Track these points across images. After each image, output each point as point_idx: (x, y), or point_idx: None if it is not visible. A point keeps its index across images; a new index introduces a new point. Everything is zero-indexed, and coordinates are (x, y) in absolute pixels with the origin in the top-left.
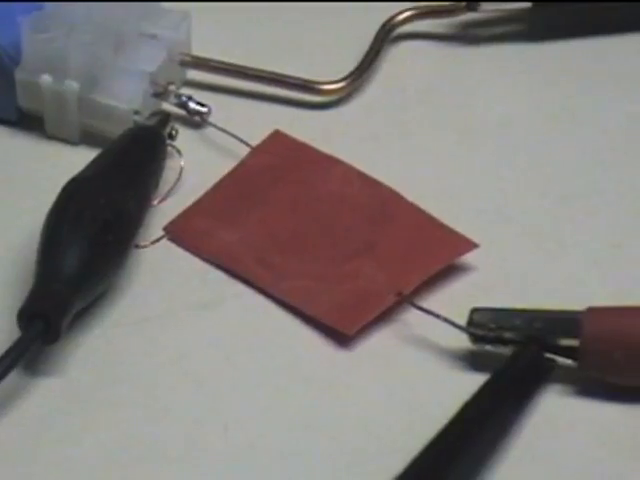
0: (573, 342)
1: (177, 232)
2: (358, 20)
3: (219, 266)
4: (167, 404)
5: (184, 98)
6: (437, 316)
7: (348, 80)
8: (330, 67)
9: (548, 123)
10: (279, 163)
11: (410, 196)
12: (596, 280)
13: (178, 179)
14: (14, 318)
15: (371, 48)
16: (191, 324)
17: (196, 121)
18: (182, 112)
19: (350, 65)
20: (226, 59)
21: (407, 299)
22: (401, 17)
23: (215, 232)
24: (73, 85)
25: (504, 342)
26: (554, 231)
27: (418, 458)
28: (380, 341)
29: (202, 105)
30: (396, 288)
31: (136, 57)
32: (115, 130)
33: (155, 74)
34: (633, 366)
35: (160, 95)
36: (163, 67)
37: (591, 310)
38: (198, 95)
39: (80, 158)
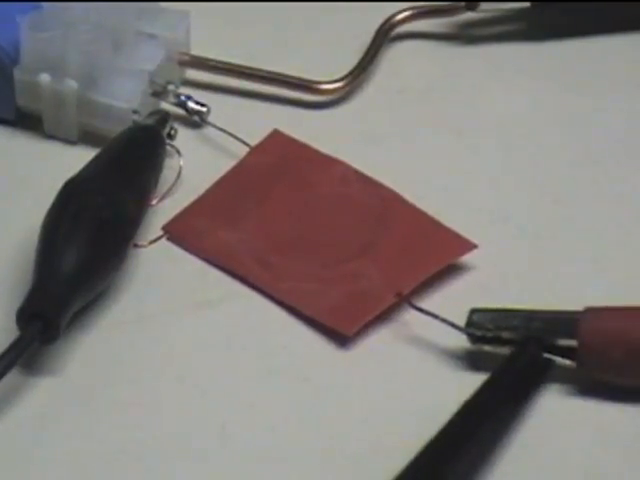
0: (571, 342)
1: (176, 232)
2: (357, 20)
3: (218, 266)
4: (165, 403)
5: (183, 97)
6: (436, 317)
7: (347, 80)
8: (329, 67)
9: (547, 123)
10: (278, 163)
11: (409, 196)
12: (595, 280)
13: (177, 178)
14: (13, 318)
15: (370, 48)
16: (190, 324)
17: (195, 121)
18: (181, 112)
19: (349, 65)
20: (225, 59)
21: (406, 300)
22: (400, 17)
23: (214, 232)
24: (72, 84)
25: (503, 342)
26: (553, 231)
27: (417, 458)
28: (379, 342)
29: (201, 105)
30: (395, 289)
31: (135, 56)
32: (114, 129)
33: (154, 73)
34: (631, 366)
35: (159, 94)
36: (162, 66)
37: (589, 310)
38: (197, 95)
39: (79, 157)
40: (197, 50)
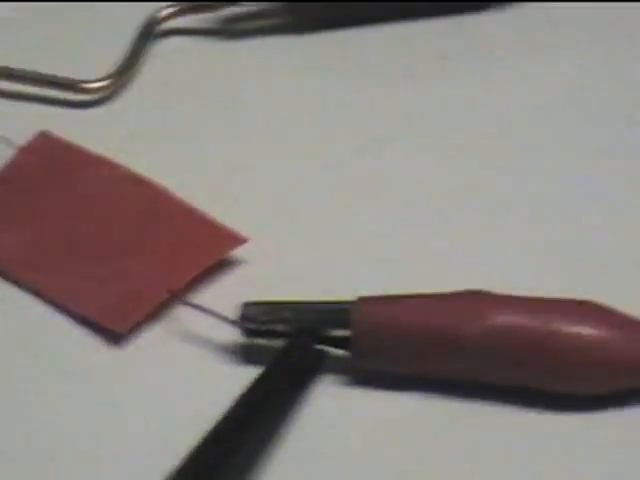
0: (344, 332)
1: None
2: (122, 18)
3: None
4: None
5: None
6: (208, 311)
7: (111, 78)
8: (95, 66)
9: (315, 112)
10: (45, 164)
11: (179, 193)
12: (369, 274)
13: None
14: None
15: (134, 45)
16: None
17: None
18: None
19: (116, 63)
20: None
21: (178, 296)
22: (164, 13)
23: None
24: None
25: (276, 335)
26: (327, 224)
27: (189, 456)
28: (153, 339)
29: None
30: (166, 285)
31: None
32: None
33: None
34: (404, 354)
35: None
36: None
37: (361, 300)
38: None
39: None
40: None
